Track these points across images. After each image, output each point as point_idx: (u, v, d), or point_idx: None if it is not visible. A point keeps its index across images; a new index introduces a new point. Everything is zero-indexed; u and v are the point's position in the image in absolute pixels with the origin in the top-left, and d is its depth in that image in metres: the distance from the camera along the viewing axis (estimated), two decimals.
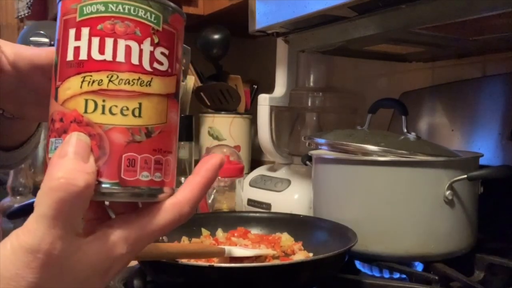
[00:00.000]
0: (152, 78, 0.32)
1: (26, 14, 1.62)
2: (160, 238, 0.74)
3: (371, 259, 0.73)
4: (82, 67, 0.31)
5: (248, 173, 1.15)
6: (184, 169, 1.08)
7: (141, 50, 0.32)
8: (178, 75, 0.35)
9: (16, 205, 0.81)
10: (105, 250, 0.32)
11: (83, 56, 0.32)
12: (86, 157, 0.30)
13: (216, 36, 1.30)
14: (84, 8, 0.32)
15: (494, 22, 0.65)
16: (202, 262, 0.61)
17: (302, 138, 0.98)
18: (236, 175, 0.98)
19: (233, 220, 0.80)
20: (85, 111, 0.31)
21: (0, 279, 0.29)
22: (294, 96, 1.07)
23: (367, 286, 0.65)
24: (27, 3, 1.62)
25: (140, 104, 0.32)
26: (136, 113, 0.32)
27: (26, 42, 1.12)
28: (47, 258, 0.29)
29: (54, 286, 0.30)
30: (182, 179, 1.04)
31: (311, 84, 1.11)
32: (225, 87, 1.30)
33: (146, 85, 0.32)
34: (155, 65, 0.33)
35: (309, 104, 1.09)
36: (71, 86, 0.32)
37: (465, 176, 0.69)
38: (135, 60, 0.32)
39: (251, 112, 1.34)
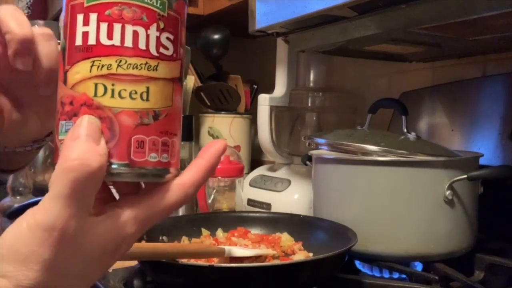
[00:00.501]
0: (158, 63, 0.33)
1: (26, 14, 1.62)
2: (160, 238, 0.74)
3: (371, 259, 0.73)
4: (91, 52, 0.32)
5: (248, 173, 1.15)
6: (184, 169, 1.08)
7: (147, 36, 0.33)
8: (182, 59, 0.36)
9: (16, 205, 0.81)
10: (116, 229, 0.33)
11: (91, 41, 0.32)
12: (98, 139, 0.31)
13: (216, 36, 1.30)
14: None
15: (494, 22, 0.65)
16: (202, 262, 0.61)
17: (302, 138, 0.99)
18: (236, 175, 0.98)
19: (233, 220, 0.80)
20: (95, 95, 0.32)
21: (17, 257, 0.30)
22: (294, 96, 1.07)
23: (367, 286, 0.65)
24: (27, 3, 1.62)
25: (147, 88, 0.33)
26: (144, 96, 0.33)
27: None
28: (62, 235, 0.30)
29: (67, 263, 0.31)
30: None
31: (311, 84, 1.11)
32: (225, 87, 1.30)
33: (153, 70, 0.33)
34: (161, 50, 0.33)
35: (309, 104, 1.09)
36: (80, 70, 0.32)
37: (465, 176, 0.69)
38: (142, 45, 0.33)
39: (251, 112, 1.34)
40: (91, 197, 0.31)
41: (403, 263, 0.71)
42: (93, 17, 0.32)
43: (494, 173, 0.70)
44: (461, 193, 0.70)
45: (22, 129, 0.43)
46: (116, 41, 0.32)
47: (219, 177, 0.97)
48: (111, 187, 0.37)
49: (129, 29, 0.32)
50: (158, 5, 0.33)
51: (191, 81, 1.29)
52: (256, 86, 1.40)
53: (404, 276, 0.70)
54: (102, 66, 0.32)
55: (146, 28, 0.33)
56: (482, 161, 0.75)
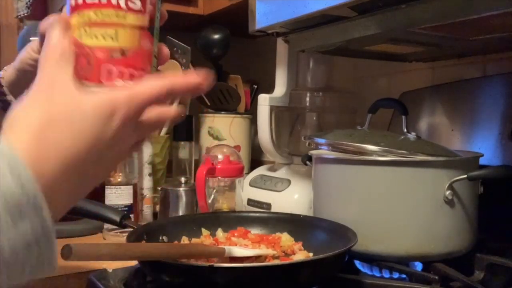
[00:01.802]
0: (126, 13, 0.44)
1: (26, 14, 1.62)
2: (160, 238, 0.74)
3: (371, 259, 0.73)
4: (78, 7, 0.44)
5: (248, 173, 1.15)
6: (184, 169, 1.08)
7: None
8: (152, 14, 0.47)
9: None
10: (108, 96, 0.41)
11: (79, 0, 0.44)
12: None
13: (216, 36, 1.30)
14: None
15: (494, 22, 0.65)
16: (202, 262, 0.61)
17: (302, 138, 0.98)
18: (236, 175, 0.98)
19: (233, 220, 0.80)
20: (79, 37, 0.44)
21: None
22: (294, 96, 1.07)
23: (367, 286, 0.65)
24: (26, 3, 1.61)
25: (116, 31, 0.44)
26: (114, 37, 0.44)
27: (26, 42, 1.11)
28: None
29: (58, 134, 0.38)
30: (182, 179, 1.05)
31: (311, 84, 1.11)
32: (225, 87, 1.30)
33: (122, 18, 0.44)
34: (130, 4, 0.44)
35: (309, 104, 1.09)
36: (72, 20, 0.45)
37: (465, 176, 0.69)
38: (114, 1, 0.44)
39: (251, 112, 1.34)
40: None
41: (403, 263, 0.71)
42: None
43: (494, 173, 0.70)
44: (461, 193, 0.70)
45: None
46: None
47: (219, 177, 0.97)
48: None
49: None
50: None
51: None
52: (256, 86, 1.40)
53: (404, 276, 0.70)
54: (84, 16, 0.44)
55: None
56: (482, 161, 0.75)
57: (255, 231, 0.78)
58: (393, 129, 1.00)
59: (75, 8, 0.44)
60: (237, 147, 1.30)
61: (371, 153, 0.72)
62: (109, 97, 0.41)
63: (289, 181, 1.02)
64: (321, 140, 0.80)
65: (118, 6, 0.44)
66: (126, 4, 0.44)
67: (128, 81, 0.44)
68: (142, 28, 0.45)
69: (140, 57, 0.45)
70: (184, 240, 0.75)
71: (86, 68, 0.43)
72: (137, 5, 0.45)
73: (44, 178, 0.36)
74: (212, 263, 0.59)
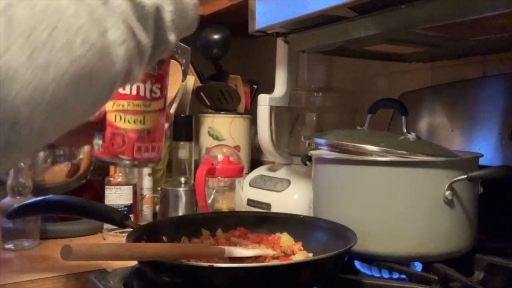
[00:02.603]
0: (150, 102, 0.55)
1: None
2: (160, 238, 0.74)
3: (371, 259, 0.73)
4: (114, 97, 0.52)
5: (248, 173, 1.15)
6: (184, 169, 1.08)
7: (145, 88, 0.54)
8: (166, 96, 0.57)
9: (16, 205, 0.81)
10: None
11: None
12: None
13: (216, 36, 1.30)
14: None
15: (494, 22, 0.65)
16: (202, 262, 0.61)
17: (302, 138, 0.98)
18: (236, 175, 0.98)
19: (233, 220, 0.80)
20: (114, 120, 0.54)
21: None
22: (294, 96, 1.07)
23: (367, 286, 0.65)
24: None
25: (144, 116, 0.55)
26: (142, 122, 0.55)
27: None
28: None
29: None
30: (182, 179, 1.04)
31: (311, 84, 1.11)
32: (225, 87, 1.30)
33: (148, 106, 0.55)
34: (153, 94, 0.55)
35: (309, 104, 1.09)
36: (107, 106, 0.54)
37: (465, 176, 0.69)
38: (141, 93, 0.54)
39: (251, 112, 1.33)
40: None
41: (403, 263, 0.71)
42: None
43: (494, 173, 0.70)
44: (461, 193, 0.71)
45: None
46: (127, 91, 0.54)
47: (219, 177, 0.97)
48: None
49: (134, 85, 0.54)
50: (151, 70, 0.54)
51: (191, 81, 1.29)
52: (256, 86, 1.40)
53: (403, 276, 0.70)
54: (119, 104, 0.54)
55: (144, 83, 0.54)
56: (482, 161, 0.75)
57: (255, 231, 0.78)
58: (393, 129, 1.01)
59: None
60: (237, 147, 1.30)
61: (371, 153, 0.72)
62: None
63: (289, 181, 1.02)
64: (321, 140, 0.80)
65: (144, 97, 0.54)
66: (151, 95, 0.55)
67: (151, 152, 0.56)
68: (161, 109, 0.56)
69: (159, 131, 0.57)
70: (184, 240, 0.75)
71: (122, 146, 0.54)
72: (157, 93, 0.55)
73: None
74: (212, 263, 0.59)
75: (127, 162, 0.55)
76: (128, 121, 0.54)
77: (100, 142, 0.55)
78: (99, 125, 0.56)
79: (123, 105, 0.53)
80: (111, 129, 0.54)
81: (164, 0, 0.39)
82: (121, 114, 0.54)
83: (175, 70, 1.19)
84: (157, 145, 0.56)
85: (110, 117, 0.54)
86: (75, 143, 0.66)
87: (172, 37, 0.42)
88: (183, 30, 0.44)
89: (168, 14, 0.40)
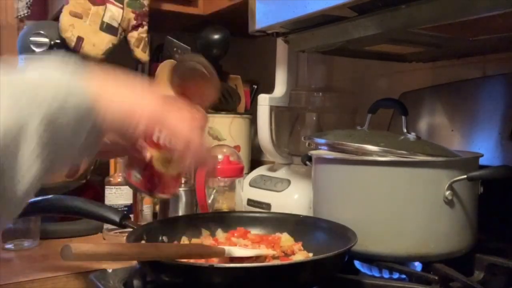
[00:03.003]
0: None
1: (26, 14, 1.62)
2: (160, 238, 0.74)
3: (371, 259, 0.73)
4: (160, 147, 0.59)
5: (248, 173, 1.15)
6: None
7: None
8: None
9: None
10: None
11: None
12: None
13: (216, 36, 1.30)
14: None
15: (494, 22, 0.65)
16: (202, 262, 0.61)
17: (302, 138, 0.98)
18: (236, 175, 0.98)
19: (233, 220, 0.80)
20: (157, 164, 0.61)
21: None
22: (294, 96, 1.07)
23: (367, 286, 0.65)
24: (26, 3, 1.61)
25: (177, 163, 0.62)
26: (176, 167, 0.62)
27: (26, 42, 1.11)
28: None
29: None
30: (182, 179, 1.04)
31: (311, 84, 1.11)
32: (225, 87, 1.30)
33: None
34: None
35: (309, 104, 1.09)
36: (153, 151, 0.61)
37: (465, 176, 0.69)
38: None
39: (251, 112, 1.33)
40: None
41: (402, 263, 0.71)
42: None
43: (494, 173, 0.70)
44: (461, 193, 0.71)
45: None
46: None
47: (219, 177, 0.97)
48: None
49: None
50: None
51: None
52: (256, 86, 1.40)
53: (403, 276, 0.70)
54: (164, 153, 0.60)
55: None
56: (482, 161, 0.75)
57: (255, 231, 0.78)
58: (393, 129, 1.00)
59: (156, 145, 0.60)
60: (237, 147, 1.30)
61: (371, 153, 0.72)
62: None
63: (289, 181, 1.02)
64: (321, 140, 0.80)
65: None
66: None
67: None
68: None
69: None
70: (184, 240, 0.75)
71: (157, 185, 0.63)
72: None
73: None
74: (212, 263, 0.59)
75: (159, 195, 0.65)
76: (166, 167, 0.62)
77: (139, 176, 0.63)
78: (141, 163, 0.63)
79: (164, 154, 0.60)
80: (152, 170, 0.62)
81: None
82: (163, 162, 0.61)
83: None
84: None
85: (155, 161, 0.61)
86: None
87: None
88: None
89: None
